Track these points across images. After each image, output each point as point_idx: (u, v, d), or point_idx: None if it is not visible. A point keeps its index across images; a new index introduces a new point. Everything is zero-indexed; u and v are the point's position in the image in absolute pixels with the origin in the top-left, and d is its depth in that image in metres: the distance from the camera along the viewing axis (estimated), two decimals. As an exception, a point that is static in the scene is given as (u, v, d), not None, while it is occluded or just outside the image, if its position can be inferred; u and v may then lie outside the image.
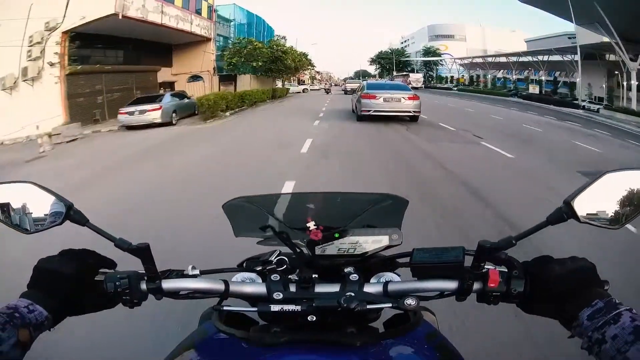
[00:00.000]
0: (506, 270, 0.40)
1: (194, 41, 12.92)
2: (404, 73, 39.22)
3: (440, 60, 43.88)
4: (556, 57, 22.16)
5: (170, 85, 12.59)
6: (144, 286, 0.40)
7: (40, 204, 0.40)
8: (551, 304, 0.38)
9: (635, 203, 0.37)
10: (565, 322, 0.37)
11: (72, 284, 0.38)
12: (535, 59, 24.64)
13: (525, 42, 32.22)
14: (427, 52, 45.78)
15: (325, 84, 32.39)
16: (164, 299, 0.41)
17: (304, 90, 26.04)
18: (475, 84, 33.02)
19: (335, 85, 36.60)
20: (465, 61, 36.06)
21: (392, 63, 48.67)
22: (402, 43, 53.47)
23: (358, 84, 11.34)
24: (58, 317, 0.38)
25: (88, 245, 0.40)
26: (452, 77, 39.12)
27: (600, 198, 0.37)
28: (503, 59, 29.33)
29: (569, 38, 23.03)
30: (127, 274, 0.39)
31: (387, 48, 53.95)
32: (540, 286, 0.38)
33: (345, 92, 22.94)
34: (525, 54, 25.65)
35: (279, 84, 20.34)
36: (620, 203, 0.37)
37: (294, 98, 17.88)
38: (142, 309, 0.40)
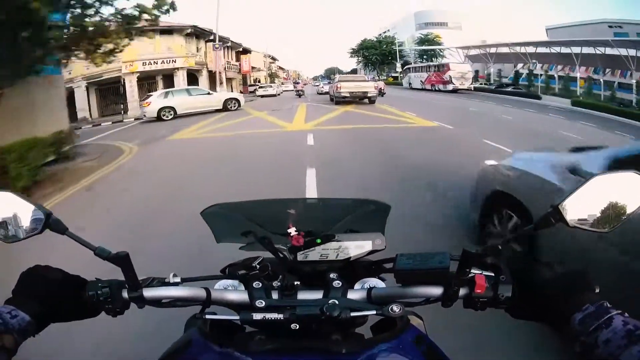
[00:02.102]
0: (493, 275, 0.52)
1: None
2: (436, 63, 33.89)
3: (441, 50, 46.21)
4: (589, 50, 23.75)
5: None
6: (125, 295, 0.54)
7: (19, 213, 0.54)
8: (541, 309, 0.49)
9: (624, 205, 0.48)
10: (556, 327, 0.48)
11: (57, 291, 0.51)
12: (563, 51, 26.21)
13: (547, 30, 35.74)
14: (424, 40, 48.75)
15: (297, 84, 30.62)
16: (147, 307, 0.54)
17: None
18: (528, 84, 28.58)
19: (304, 84, 38.00)
20: (471, 52, 37.82)
21: (379, 54, 51.18)
22: (380, 35, 56.84)
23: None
24: (42, 324, 0.51)
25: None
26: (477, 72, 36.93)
27: (589, 201, 0.48)
28: (508, 49, 31.06)
29: (610, 27, 24.63)
30: (108, 283, 0.53)
31: (373, 36, 56.83)
32: (529, 291, 0.50)
33: (321, 94, 24.86)
34: (573, 43, 25.37)
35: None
36: (609, 206, 0.48)
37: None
38: (126, 316, 0.54)
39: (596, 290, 0.47)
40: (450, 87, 26.85)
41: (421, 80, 31.12)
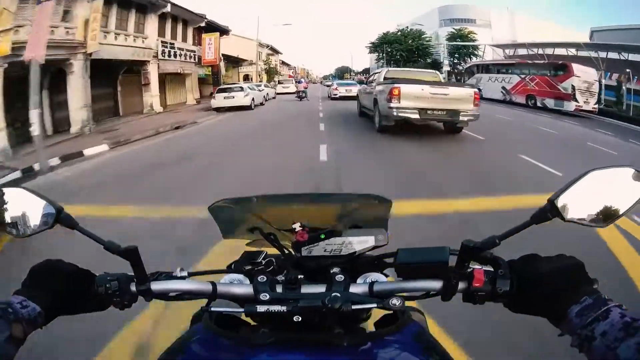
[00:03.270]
0: (492, 269, 0.64)
1: None
2: (542, 62, 24.25)
3: (476, 49, 46.07)
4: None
5: None
6: (133, 288, 0.67)
7: (31, 209, 0.68)
8: (539, 303, 0.59)
9: (620, 201, 0.57)
10: (554, 321, 0.57)
11: (67, 283, 0.64)
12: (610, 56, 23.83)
13: (593, 32, 35.45)
14: (455, 36, 49.12)
15: (299, 83, 28.05)
16: (154, 301, 0.68)
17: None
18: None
19: (308, 83, 37.62)
20: (508, 51, 35.94)
21: (404, 50, 51.36)
22: (404, 29, 57.52)
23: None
24: (50, 315, 0.63)
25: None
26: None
27: (585, 196, 0.57)
28: (565, 51, 28.66)
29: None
30: (117, 276, 0.67)
31: (395, 29, 57.50)
32: (527, 285, 0.60)
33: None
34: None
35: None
36: (605, 201, 0.58)
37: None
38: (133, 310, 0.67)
39: (594, 285, 0.57)
40: (570, 106, 18.48)
41: (504, 88, 23.61)
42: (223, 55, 25.81)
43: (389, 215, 0.82)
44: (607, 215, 0.59)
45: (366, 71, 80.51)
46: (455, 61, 48.48)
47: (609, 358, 0.48)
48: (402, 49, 53.08)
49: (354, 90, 20.22)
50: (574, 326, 0.53)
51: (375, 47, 58.11)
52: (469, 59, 47.37)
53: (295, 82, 33.31)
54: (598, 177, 0.58)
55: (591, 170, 0.59)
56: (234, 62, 33.72)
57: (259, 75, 40.20)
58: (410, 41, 53.00)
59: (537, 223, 0.60)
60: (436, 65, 49.13)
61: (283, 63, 65.00)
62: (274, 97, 26.91)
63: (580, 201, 0.58)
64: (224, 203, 0.81)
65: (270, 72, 46.90)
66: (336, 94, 23.36)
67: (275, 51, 54.00)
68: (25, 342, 0.57)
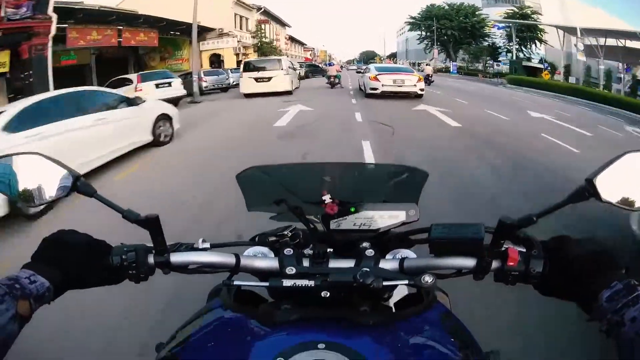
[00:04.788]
0: (524, 249, 0.77)
1: None
2: None
3: (541, 32, 44.77)
4: None
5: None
6: (151, 260, 0.79)
7: (47, 176, 0.78)
8: (570, 286, 0.72)
9: None
10: (583, 305, 0.70)
11: (79, 256, 0.75)
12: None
13: None
14: (514, 17, 47.35)
15: (331, 66, 28.15)
16: (172, 274, 0.81)
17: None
18: None
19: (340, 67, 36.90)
20: (589, 40, 34.62)
21: (455, 28, 50.73)
22: (453, 3, 56.53)
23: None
24: (60, 290, 0.73)
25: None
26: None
27: (621, 178, 0.70)
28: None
29: None
30: (134, 247, 0.79)
31: (443, 1, 56.54)
32: (559, 267, 0.73)
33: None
34: None
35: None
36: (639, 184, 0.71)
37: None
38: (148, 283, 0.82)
39: (623, 271, 0.71)
40: None
41: None
42: (148, 20, 22.18)
43: (422, 189, 0.98)
44: None
45: (393, 55, 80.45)
46: (516, 47, 47.66)
47: (638, 343, 0.59)
48: (453, 27, 52.37)
49: (412, 82, 17.37)
50: (604, 311, 0.65)
51: (416, 23, 57.32)
52: (534, 45, 46.82)
53: (327, 64, 34.80)
54: (634, 159, 0.71)
55: (627, 152, 0.72)
56: (183, 31, 25.82)
57: (243, 54, 33.44)
58: (463, 17, 52.13)
59: (574, 202, 0.73)
60: (494, 52, 48.48)
61: (292, 40, 62.75)
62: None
63: (616, 182, 0.71)
64: (253, 171, 0.97)
65: (264, 50, 38.11)
66: (376, 88, 17.53)
67: (275, 20, 48.22)
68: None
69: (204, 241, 0.87)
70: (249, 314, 0.79)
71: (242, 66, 19.91)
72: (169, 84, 17.13)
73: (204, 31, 28.69)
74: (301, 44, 70.04)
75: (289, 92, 18.90)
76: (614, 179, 0.71)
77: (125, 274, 0.80)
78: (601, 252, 0.73)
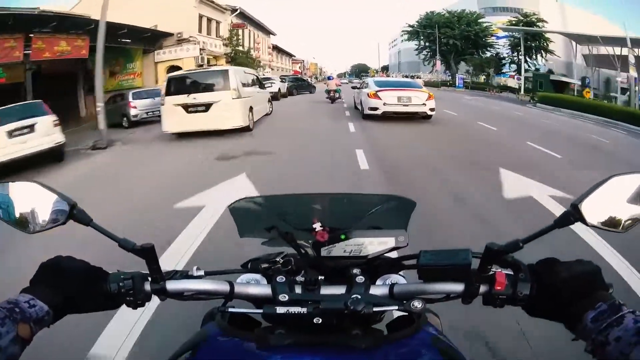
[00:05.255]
0: (512, 273, 0.85)
1: None
2: None
3: (546, 41, 45.48)
4: None
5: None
6: (147, 287, 0.89)
7: (43, 204, 0.86)
8: (556, 307, 0.80)
9: None
10: (569, 325, 0.78)
11: (77, 281, 0.84)
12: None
13: None
14: (518, 24, 48.29)
15: (330, 79, 27.15)
16: (168, 301, 0.90)
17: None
18: None
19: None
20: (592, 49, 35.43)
21: (457, 37, 50.72)
22: (453, 10, 57.27)
23: None
24: (59, 314, 0.81)
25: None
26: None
27: (608, 201, 0.78)
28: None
29: None
30: (131, 275, 0.88)
31: (442, 8, 57.14)
32: (547, 289, 0.81)
33: (368, 114, 15.57)
34: None
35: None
36: (627, 207, 0.78)
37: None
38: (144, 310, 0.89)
39: (610, 290, 0.80)
40: None
41: None
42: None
43: (410, 216, 1.08)
44: (628, 221, 0.80)
45: (385, 68, 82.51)
46: (520, 57, 47.61)
47: None
48: (454, 36, 52.43)
49: (420, 100, 15.35)
50: (589, 331, 0.73)
51: (414, 33, 57.39)
52: (539, 56, 47.20)
53: (327, 78, 32.79)
54: (620, 183, 0.80)
55: (613, 175, 0.80)
56: (135, 38, 22.97)
57: (211, 65, 25.50)
58: (465, 26, 52.23)
59: (560, 227, 0.81)
60: (499, 64, 48.36)
61: (278, 50, 58.77)
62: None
63: (603, 206, 0.79)
64: (245, 201, 1.07)
65: (240, 61, 31.77)
66: (376, 108, 15.53)
67: (256, 25, 43.31)
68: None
69: (198, 269, 0.96)
70: (244, 338, 0.88)
71: (164, 85, 13.15)
72: (31, 127, 10.35)
73: (160, 37, 25.88)
74: (289, 55, 68.83)
75: (245, 129, 13.07)
76: (600, 203, 0.79)
77: (122, 300, 0.89)
78: (588, 273, 0.82)
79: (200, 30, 29.08)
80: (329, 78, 31.41)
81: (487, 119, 18.22)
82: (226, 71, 13.31)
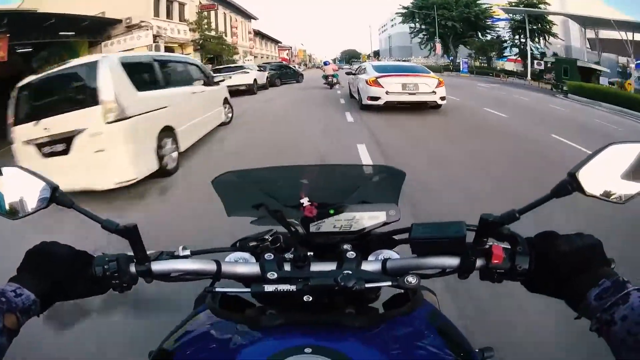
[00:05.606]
0: (509, 246, 0.87)
1: None
2: None
3: (549, 25, 45.28)
4: None
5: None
6: (133, 269, 0.92)
7: (26, 188, 0.91)
8: (556, 283, 0.82)
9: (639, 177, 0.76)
10: (571, 302, 0.80)
11: (63, 267, 0.86)
12: None
13: None
14: (518, 5, 47.88)
15: (326, 65, 27.55)
16: (155, 282, 0.92)
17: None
18: None
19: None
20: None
21: (456, 19, 50.44)
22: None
23: None
24: (47, 302, 0.85)
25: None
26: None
27: (605, 171, 0.78)
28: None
29: None
30: (115, 257, 0.91)
31: None
32: (546, 263, 0.83)
33: (366, 104, 13.98)
34: None
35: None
36: (625, 176, 0.79)
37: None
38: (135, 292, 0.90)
39: (611, 265, 0.82)
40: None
41: None
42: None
43: (401, 188, 1.11)
44: (627, 191, 0.82)
45: (376, 54, 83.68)
46: (522, 41, 47.38)
47: (630, 343, 0.67)
48: (452, 18, 51.87)
49: (429, 87, 13.65)
50: (593, 310, 0.75)
51: (411, 14, 56.74)
52: (542, 39, 46.65)
53: (323, 63, 31.20)
54: (618, 151, 0.81)
55: (611, 143, 0.81)
56: (81, 30, 20.70)
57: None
58: (463, 7, 51.59)
59: (558, 197, 0.81)
60: (501, 47, 48.18)
61: (261, 36, 57.99)
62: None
63: (600, 175, 0.80)
64: (229, 176, 1.10)
65: (210, 49, 31.21)
66: (377, 97, 13.83)
67: (231, 7, 40.77)
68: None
69: (184, 248, 1.00)
70: (236, 320, 0.91)
71: (11, 103, 6.94)
72: None
73: (106, 25, 23.09)
74: (275, 41, 68.29)
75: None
76: (598, 172, 0.80)
77: (108, 284, 0.92)
78: (589, 247, 0.84)
79: (157, 14, 26.29)
80: (325, 63, 31.03)
81: (545, 123, 13.92)
82: (94, 65, 6.63)
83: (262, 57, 52.07)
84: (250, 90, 21.88)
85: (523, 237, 0.90)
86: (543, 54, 46.61)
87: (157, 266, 0.94)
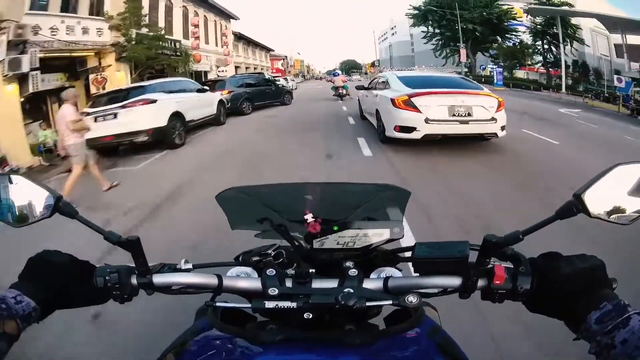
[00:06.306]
0: (512, 266, 0.94)
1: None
2: None
3: (573, 29, 43.91)
4: None
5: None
6: (134, 281, 1.01)
7: (29, 197, 0.99)
8: (558, 304, 0.90)
9: None
10: (571, 324, 0.88)
11: (65, 276, 0.97)
12: None
13: None
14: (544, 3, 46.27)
15: (336, 76, 29.36)
16: (156, 294, 1.01)
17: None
18: None
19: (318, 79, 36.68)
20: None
21: (476, 22, 48.16)
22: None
23: None
24: (46, 310, 0.93)
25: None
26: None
27: (611, 192, 0.86)
28: None
29: None
30: (116, 268, 1.00)
31: None
32: (548, 284, 0.91)
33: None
34: None
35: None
36: (631, 197, 0.87)
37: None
38: (135, 304, 0.99)
39: (614, 285, 0.90)
40: None
41: None
42: None
43: (405, 206, 1.19)
44: (633, 212, 0.90)
45: (373, 65, 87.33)
46: (545, 47, 46.46)
47: None
48: (472, 20, 49.69)
49: (486, 112, 9.86)
50: (594, 333, 0.82)
51: (423, 16, 54.87)
52: (568, 45, 45.21)
53: (332, 74, 30.96)
54: (623, 172, 0.88)
55: (617, 164, 0.88)
56: None
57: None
58: (482, 8, 49.47)
59: (562, 218, 0.90)
60: (531, 54, 46.81)
61: (247, 41, 52.98)
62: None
63: (606, 196, 0.88)
64: (233, 192, 1.19)
65: (144, 55, 21.03)
66: (412, 128, 10.05)
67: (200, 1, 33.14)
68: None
69: (186, 262, 1.09)
70: (235, 334, 0.99)
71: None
72: None
73: None
74: (266, 49, 64.68)
75: None
76: (603, 193, 0.87)
77: (109, 294, 1.01)
78: (591, 269, 0.91)
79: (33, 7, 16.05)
80: (334, 74, 33.20)
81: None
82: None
83: (247, 68, 48.46)
84: (147, 145, 12.68)
85: (526, 258, 0.98)
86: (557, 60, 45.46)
87: (158, 279, 1.04)
